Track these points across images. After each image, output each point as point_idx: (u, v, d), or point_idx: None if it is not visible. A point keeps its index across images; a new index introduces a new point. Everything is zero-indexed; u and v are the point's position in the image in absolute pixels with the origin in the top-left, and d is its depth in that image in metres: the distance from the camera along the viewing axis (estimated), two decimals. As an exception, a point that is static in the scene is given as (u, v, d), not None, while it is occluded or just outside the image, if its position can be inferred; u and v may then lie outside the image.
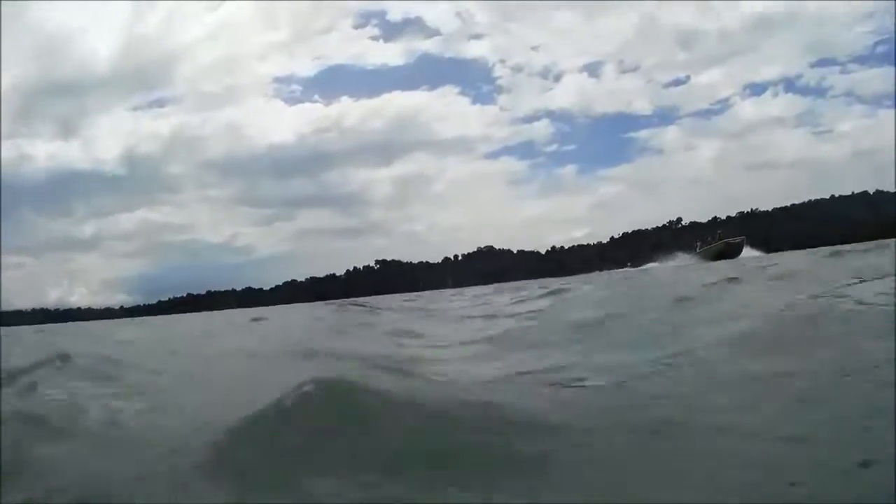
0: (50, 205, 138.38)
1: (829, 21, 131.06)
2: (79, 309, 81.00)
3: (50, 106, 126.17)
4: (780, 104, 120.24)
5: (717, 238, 56.92)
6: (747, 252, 49.92)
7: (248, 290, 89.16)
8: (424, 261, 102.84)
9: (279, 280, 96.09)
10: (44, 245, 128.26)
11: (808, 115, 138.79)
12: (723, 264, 25.56)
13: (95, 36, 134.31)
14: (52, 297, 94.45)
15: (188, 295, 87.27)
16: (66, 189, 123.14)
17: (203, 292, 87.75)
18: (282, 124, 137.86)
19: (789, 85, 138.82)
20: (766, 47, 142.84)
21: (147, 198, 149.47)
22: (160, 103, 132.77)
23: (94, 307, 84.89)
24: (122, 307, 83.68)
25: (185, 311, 53.17)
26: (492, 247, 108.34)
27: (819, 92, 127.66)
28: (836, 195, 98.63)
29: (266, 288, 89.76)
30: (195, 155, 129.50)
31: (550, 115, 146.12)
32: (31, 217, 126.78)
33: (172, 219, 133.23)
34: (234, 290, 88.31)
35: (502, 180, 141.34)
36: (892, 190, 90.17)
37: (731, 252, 49.18)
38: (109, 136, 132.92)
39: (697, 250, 58.90)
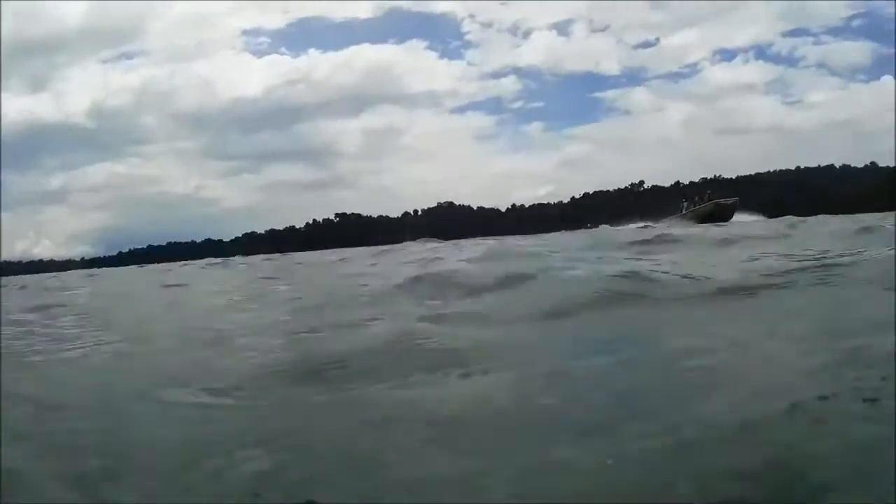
0: (20, 159, 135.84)
1: None
2: (40, 261, 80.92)
3: (22, 61, 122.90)
4: (750, 71, 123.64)
5: (707, 198, 53.84)
6: (739, 216, 45.33)
7: (208, 241, 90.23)
8: (384, 215, 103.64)
9: (240, 232, 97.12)
10: (13, 199, 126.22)
11: (779, 83, 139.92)
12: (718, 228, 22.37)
13: None
14: (18, 250, 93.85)
15: (148, 247, 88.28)
16: (35, 143, 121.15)
17: (164, 244, 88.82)
18: (251, 77, 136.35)
19: (760, 52, 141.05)
20: (739, 13, 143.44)
21: (116, 151, 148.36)
22: (129, 56, 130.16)
23: (57, 259, 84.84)
24: (82, 259, 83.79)
25: (143, 263, 53.90)
26: (451, 202, 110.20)
27: (791, 61, 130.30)
28: (802, 167, 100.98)
29: (226, 239, 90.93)
30: (164, 108, 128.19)
31: (518, 71, 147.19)
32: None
33: (141, 171, 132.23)
34: (193, 242, 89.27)
35: (469, 135, 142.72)
36: (859, 165, 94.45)
37: (721, 214, 45.81)
38: (79, 90, 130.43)
39: (683, 211, 55.31)
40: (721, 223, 37.80)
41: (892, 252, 5.69)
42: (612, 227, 49.28)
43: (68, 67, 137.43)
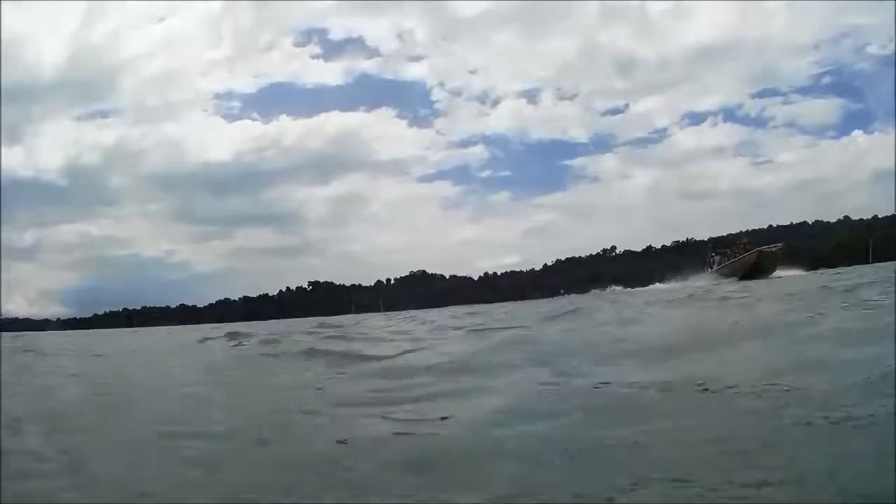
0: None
1: (772, 51, 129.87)
2: (16, 319, 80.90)
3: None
4: (719, 134, 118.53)
5: (743, 248, 45.27)
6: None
7: (182, 307, 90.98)
8: (357, 283, 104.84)
9: (214, 298, 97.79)
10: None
11: (748, 145, 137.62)
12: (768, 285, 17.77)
13: (44, 43, 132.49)
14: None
15: (124, 310, 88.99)
16: (8, 196, 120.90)
17: (139, 307, 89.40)
18: (221, 141, 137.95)
19: (729, 114, 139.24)
20: (706, 76, 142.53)
21: (87, 210, 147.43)
22: (104, 114, 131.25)
23: (33, 318, 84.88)
24: (58, 319, 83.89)
25: (119, 326, 54.97)
26: (424, 271, 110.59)
27: (759, 122, 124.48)
28: (774, 225, 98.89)
29: (200, 305, 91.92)
30: (135, 169, 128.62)
31: (486, 140, 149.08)
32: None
33: (111, 232, 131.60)
34: (168, 307, 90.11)
35: (436, 204, 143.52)
36: (832, 220, 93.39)
37: (766, 265, 38.56)
38: (53, 146, 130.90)
39: (715, 266, 47.44)
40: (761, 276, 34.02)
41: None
42: (629, 289, 44.41)
43: (42, 121, 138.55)
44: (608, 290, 51.74)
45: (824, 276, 26.13)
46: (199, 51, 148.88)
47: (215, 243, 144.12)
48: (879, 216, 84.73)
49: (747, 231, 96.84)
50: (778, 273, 36.34)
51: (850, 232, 79.93)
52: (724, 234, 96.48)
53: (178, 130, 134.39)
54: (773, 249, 41.42)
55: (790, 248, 45.21)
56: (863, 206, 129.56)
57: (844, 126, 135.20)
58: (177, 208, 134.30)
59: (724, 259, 46.43)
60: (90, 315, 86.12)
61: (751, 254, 41.54)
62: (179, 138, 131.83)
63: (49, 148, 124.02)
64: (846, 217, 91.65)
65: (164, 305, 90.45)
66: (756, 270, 37.01)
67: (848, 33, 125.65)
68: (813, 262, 51.78)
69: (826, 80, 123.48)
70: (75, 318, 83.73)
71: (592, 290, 50.66)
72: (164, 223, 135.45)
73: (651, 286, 45.56)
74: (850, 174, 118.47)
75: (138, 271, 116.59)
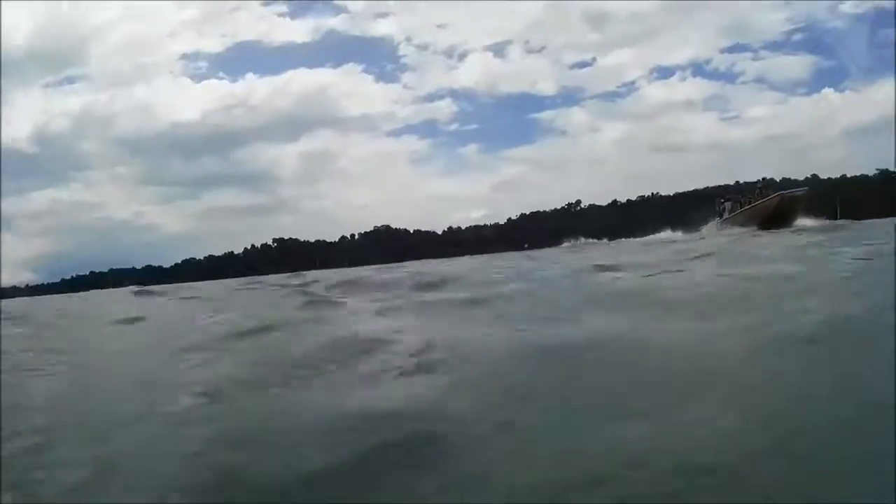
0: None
1: (744, 6, 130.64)
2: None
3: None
4: (688, 88, 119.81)
5: (758, 194, 38.72)
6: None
7: (149, 267, 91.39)
8: (322, 239, 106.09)
9: (180, 258, 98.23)
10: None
11: (717, 99, 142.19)
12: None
13: (13, 13, 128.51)
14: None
15: (91, 273, 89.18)
16: None
17: (106, 270, 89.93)
18: (188, 102, 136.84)
19: (698, 69, 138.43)
20: (677, 31, 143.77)
21: (58, 176, 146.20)
22: (72, 80, 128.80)
23: (4, 286, 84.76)
24: (27, 286, 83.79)
25: (86, 290, 55.59)
26: (388, 226, 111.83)
27: (729, 77, 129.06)
28: (741, 181, 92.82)
29: (166, 266, 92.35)
30: (105, 133, 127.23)
31: (454, 94, 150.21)
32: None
33: (82, 197, 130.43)
34: (134, 269, 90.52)
35: (405, 159, 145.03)
36: (800, 178, 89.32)
37: (788, 212, 33.53)
38: (23, 114, 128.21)
39: (726, 214, 41.39)
40: (782, 225, 29.80)
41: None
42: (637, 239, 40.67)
43: (13, 91, 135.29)
44: (580, 241, 50.94)
45: (862, 225, 23.41)
46: (167, 13, 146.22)
47: (184, 204, 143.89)
48: (848, 175, 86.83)
49: (716, 186, 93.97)
50: (801, 222, 32.24)
51: (818, 189, 79.77)
52: (691, 189, 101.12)
53: (147, 93, 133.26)
54: (798, 193, 36.36)
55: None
56: (832, 163, 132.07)
57: (815, 83, 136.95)
58: (146, 171, 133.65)
59: (736, 206, 40.95)
60: (58, 280, 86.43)
61: (771, 198, 36.28)
62: (148, 101, 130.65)
63: (19, 117, 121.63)
64: (814, 175, 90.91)
65: (130, 267, 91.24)
66: (777, 218, 32.67)
67: None
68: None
69: (798, 36, 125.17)
70: (43, 284, 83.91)
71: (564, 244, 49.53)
72: (134, 186, 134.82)
73: (657, 235, 40.99)
74: (820, 131, 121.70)
75: (108, 235, 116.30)
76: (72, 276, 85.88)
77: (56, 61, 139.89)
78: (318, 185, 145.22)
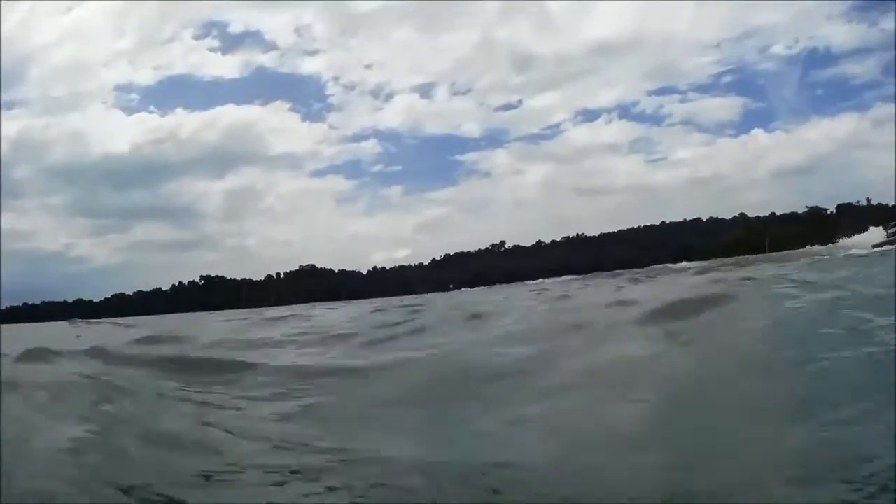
0: None
1: (672, 50, 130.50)
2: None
3: None
4: (613, 130, 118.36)
5: None
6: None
7: (79, 301, 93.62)
8: (248, 278, 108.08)
9: (110, 292, 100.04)
10: None
11: (643, 141, 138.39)
12: None
13: None
14: None
15: (23, 305, 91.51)
16: None
17: (38, 302, 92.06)
18: (120, 133, 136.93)
19: (624, 111, 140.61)
20: (603, 74, 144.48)
21: None
22: (9, 105, 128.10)
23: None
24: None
25: (19, 322, 58.81)
26: (314, 265, 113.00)
27: (656, 119, 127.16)
28: (668, 221, 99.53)
29: (97, 300, 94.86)
30: (38, 161, 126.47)
31: (379, 134, 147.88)
32: None
33: (13, 225, 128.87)
34: (65, 302, 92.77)
35: (330, 198, 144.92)
36: (727, 217, 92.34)
37: None
38: None
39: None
40: None
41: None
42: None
43: None
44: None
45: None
46: (103, 40, 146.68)
47: (113, 237, 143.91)
48: (777, 213, 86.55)
49: (641, 227, 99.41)
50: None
51: (747, 227, 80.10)
52: (616, 230, 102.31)
53: (80, 122, 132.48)
54: None
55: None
56: (760, 203, 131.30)
57: (744, 124, 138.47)
58: (77, 201, 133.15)
59: None
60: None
61: None
62: (81, 130, 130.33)
63: None
64: (742, 214, 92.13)
65: (61, 300, 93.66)
66: None
67: (752, 33, 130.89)
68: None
69: (727, 78, 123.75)
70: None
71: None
72: (65, 216, 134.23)
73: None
74: (748, 172, 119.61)
75: (39, 265, 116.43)
76: (6, 308, 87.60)
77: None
78: (242, 222, 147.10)
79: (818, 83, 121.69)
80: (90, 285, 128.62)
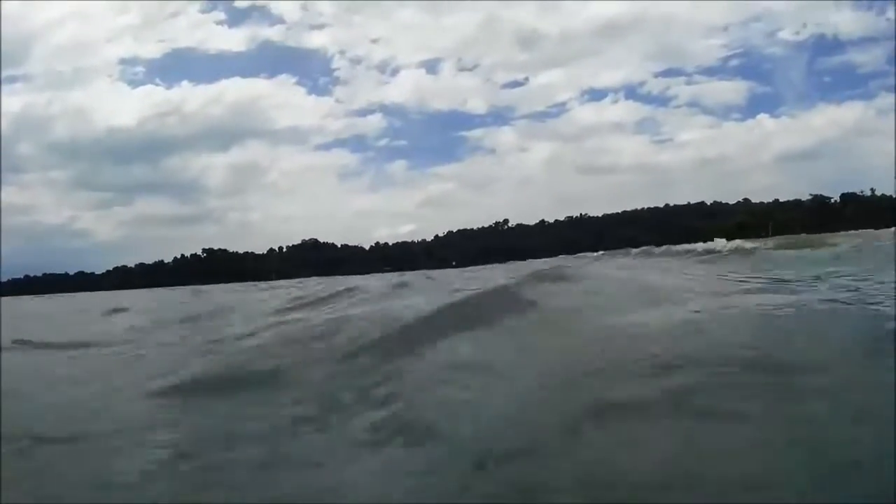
0: None
1: (679, 31, 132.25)
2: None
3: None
4: (619, 110, 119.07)
5: None
6: None
7: (81, 274, 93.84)
8: (251, 251, 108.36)
9: (112, 265, 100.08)
10: None
11: (649, 122, 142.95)
12: None
13: None
14: None
15: (25, 277, 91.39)
16: None
17: (40, 274, 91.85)
18: (124, 107, 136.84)
19: (630, 92, 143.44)
20: (609, 53, 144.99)
21: None
22: (13, 80, 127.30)
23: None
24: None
25: (20, 294, 58.67)
26: (316, 240, 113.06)
27: (662, 101, 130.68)
28: (672, 204, 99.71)
29: (98, 272, 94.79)
30: (41, 136, 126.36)
31: (384, 109, 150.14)
32: None
33: (16, 199, 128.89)
34: (67, 274, 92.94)
35: (333, 173, 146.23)
36: (731, 202, 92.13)
37: None
38: None
39: None
40: None
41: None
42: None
43: None
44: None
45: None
46: (107, 16, 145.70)
47: (116, 210, 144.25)
48: (780, 200, 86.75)
49: (645, 209, 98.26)
50: None
51: (751, 214, 78.52)
52: (620, 210, 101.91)
53: (84, 97, 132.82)
54: None
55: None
56: (764, 188, 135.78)
57: (750, 108, 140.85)
58: (80, 176, 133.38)
59: None
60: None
61: None
62: (84, 105, 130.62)
63: None
64: (746, 199, 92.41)
65: (63, 272, 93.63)
66: None
67: (760, 17, 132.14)
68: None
69: (734, 62, 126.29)
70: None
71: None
72: (67, 190, 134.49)
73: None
74: (753, 156, 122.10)
75: (41, 239, 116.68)
76: (8, 280, 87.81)
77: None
78: (245, 196, 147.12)
79: (825, 70, 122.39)
80: (92, 258, 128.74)
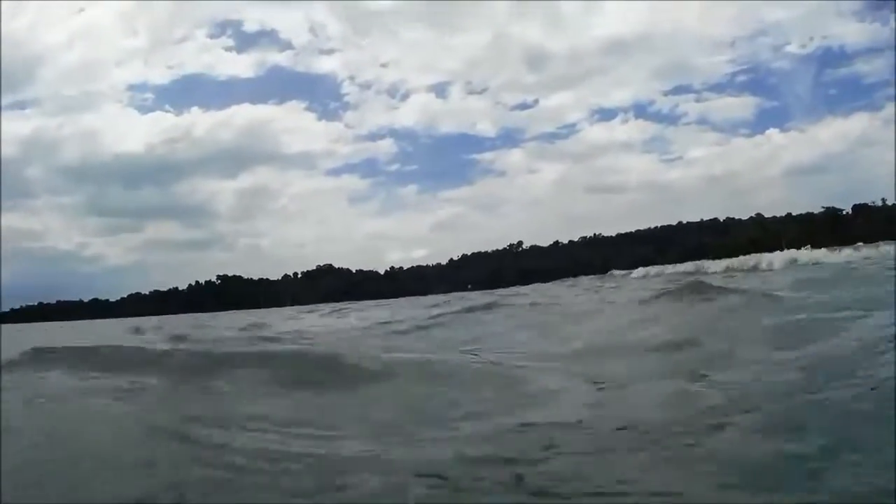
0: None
1: (686, 47, 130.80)
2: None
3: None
4: (628, 130, 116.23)
5: None
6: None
7: (95, 301, 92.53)
8: (265, 277, 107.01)
9: (125, 292, 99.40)
10: None
11: (658, 141, 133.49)
12: None
13: None
14: None
15: (39, 304, 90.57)
16: None
17: (53, 302, 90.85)
18: (133, 132, 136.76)
19: (640, 110, 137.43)
20: (617, 72, 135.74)
21: (3, 203, 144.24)
22: (21, 105, 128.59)
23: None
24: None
25: (34, 321, 57.77)
26: (331, 265, 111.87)
27: (671, 119, 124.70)
28: (685, 221, 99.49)
29: (112, 300, 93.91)
30: (50, 160, 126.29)
31: (394, 133, 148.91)
32: None
33: (25, 225, 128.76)
34: (81, 301, 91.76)
35: (344, 197, 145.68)
36: (743, 217, 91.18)
37: None
38: None
39: None
40: None
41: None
42: None
43: None
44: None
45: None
46: (115, 40, 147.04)
47: (126, 236, 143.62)
48: (793, 213, 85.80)
49: (658, 227, 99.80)
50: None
51: (763, 228, 79.20)
52: (633, 229, 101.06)
53: (93, 121, 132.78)
54: None
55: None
56: (775, 203, 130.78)
57: (759, 124, 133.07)
58: (89, 201, 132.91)
59: None
60: (7, 310, 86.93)
61: None
62: (94, 129, 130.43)
63: None
64: (759, 214, 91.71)
65: (77, 299, 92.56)
66: None
67: (766, 31, 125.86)
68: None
69: (741, 77, 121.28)
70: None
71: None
72: (77, 216, 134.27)
73: None
74: (763, 171, 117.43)
75: (52, 265, 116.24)
76: (21, 307, 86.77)
77: (6, 83, 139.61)
78: (255, 221, 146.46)
79: (831, 82, 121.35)
80: (104, 284, 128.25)
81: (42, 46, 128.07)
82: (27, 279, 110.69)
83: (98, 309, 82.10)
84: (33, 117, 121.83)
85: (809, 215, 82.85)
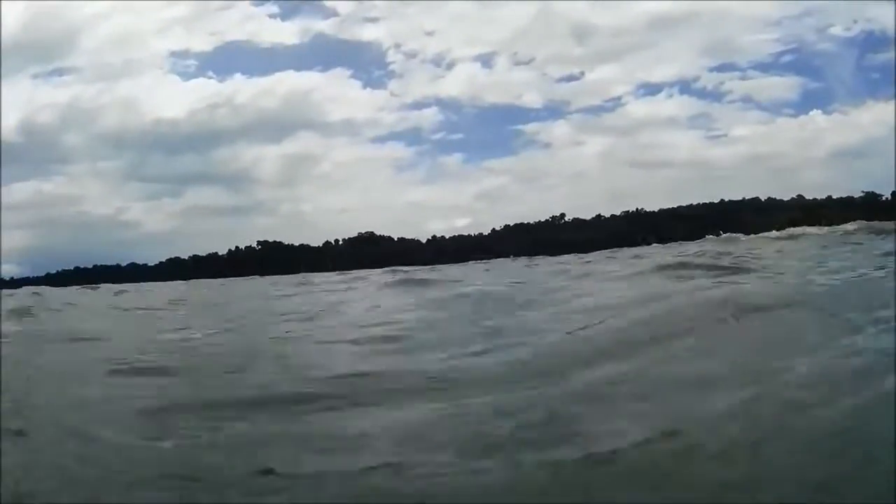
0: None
1: (733, 25, 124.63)
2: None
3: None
4: (673, 105, 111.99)
5: None
6: None
7: (133, 265, 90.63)
8: (306, 243, 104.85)
9: (163, 256, 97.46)
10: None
11: (703, 117, 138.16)
12: None
13: (6, 4, 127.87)
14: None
15: (75, 268, 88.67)
16: None
17: (90, 266, 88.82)
18: (176, 99, 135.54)
19: (685, 87, 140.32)
20: (664, 47, 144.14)
21: (41, 168, 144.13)
22: (60, 73, 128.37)
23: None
24: (12, 278, 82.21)
25: (71, 285, 55.28)
26: (373, 232, 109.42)
27: (716, 96, 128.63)
28: (727, 199, 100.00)
29: (150, 264, 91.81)
30: (90, 127, 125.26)
31: (440, 102, 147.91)
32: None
33: (64, 191, 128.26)
34: (118, 266, 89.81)
35: (388, 165, 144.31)
36: (785, 198, 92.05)
37: None
38: (10, 104, 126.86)
39: None
40: None
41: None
42: None
43: (3, 80, 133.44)
44: None
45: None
46: (156, 9, 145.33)
47: (166, 201, 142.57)
48: (833, 196, 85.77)
49: (700, 204, 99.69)
50: None
51: (803, 210, 78.16)
52: (675, 205, 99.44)
53: (134, 88, 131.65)
54: None
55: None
56: (817, 184, 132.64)
57: (803, 104, 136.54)
58: (128, 166, 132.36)
59: None
60: (43, 274, 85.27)
61: None
62: (134, 96, 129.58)
63: (7, 107, 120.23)
64: (800, 195, 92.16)
65: (114, 264, 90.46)
66: None
67: (811, 11, 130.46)
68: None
69: (787, 58, 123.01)
70: (27, 278, 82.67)
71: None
72: (116, 181, 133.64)
73: None
74: (806, 152, 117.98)
75: (89, 230, 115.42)
76: (58, 271, 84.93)
77: (45, 52, 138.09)
78: (297, 187, 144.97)
79: (874, 67, 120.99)
80: (142, 250, 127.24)
81: (82, 15, 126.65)
82: (65, 244, 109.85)
83: (136, 273, 79.88)
84: (73, 84, 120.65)
85: (850, 199, 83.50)
